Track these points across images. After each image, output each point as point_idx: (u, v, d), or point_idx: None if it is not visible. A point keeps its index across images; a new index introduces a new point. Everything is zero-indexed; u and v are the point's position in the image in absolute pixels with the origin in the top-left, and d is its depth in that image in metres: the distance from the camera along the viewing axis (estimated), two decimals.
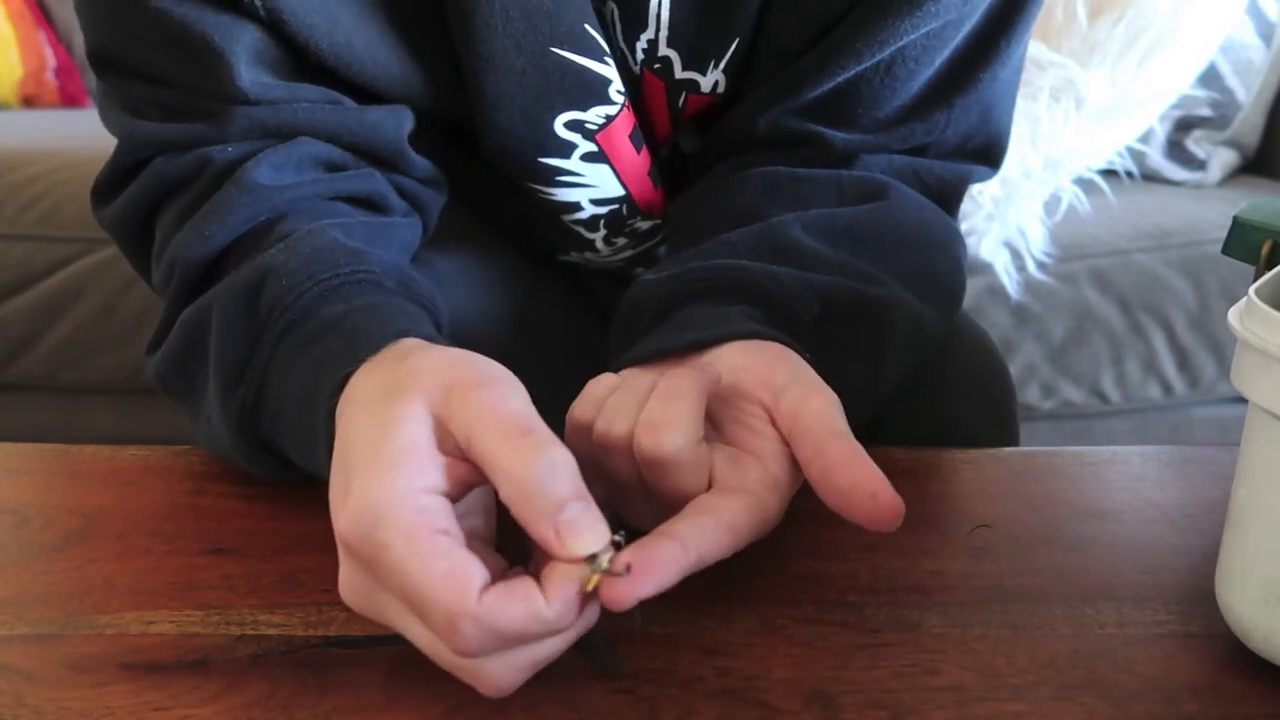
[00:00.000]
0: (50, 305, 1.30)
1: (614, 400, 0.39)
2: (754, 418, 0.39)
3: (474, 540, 0.35)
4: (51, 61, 1.88)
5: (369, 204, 0.52)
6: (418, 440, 0.33)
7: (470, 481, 0.34)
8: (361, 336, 0.38)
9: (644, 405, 0.38)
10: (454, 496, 0.33)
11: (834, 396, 0.39)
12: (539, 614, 0.31)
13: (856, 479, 0.36)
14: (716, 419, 0.40)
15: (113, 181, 0.52)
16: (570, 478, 0.32)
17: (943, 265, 0.54)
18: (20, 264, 1.29)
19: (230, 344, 0.43)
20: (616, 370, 0.43)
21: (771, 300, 0.45)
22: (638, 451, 0.37)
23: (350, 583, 0.33)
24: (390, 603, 0.32)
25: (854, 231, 0.51)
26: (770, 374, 0.40)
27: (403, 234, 0.53)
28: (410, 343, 0.38)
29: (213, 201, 0.47)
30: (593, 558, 0.31)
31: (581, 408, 0.40)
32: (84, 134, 1.46)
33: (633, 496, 0.38)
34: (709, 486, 0.37)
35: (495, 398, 0.33)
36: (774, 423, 0.39)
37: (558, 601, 0.31)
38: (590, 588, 0.31)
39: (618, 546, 0.32)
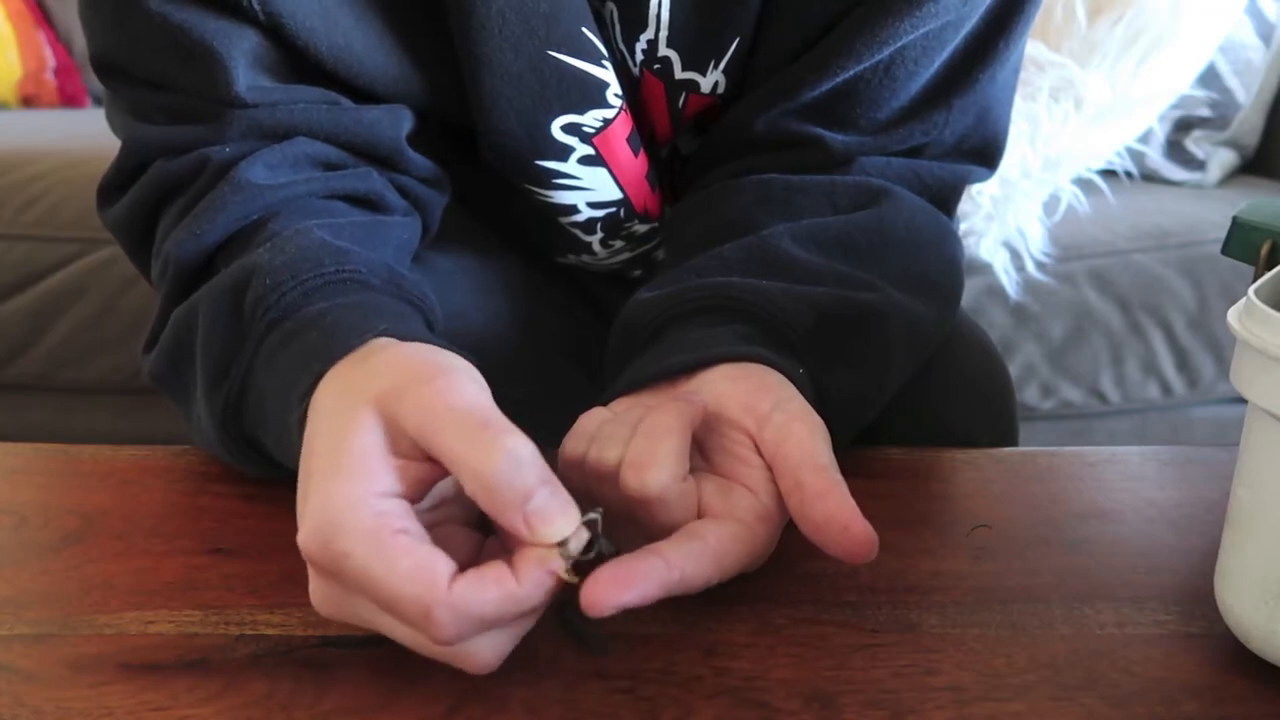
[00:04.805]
0: (50, 305, 1.30)
1: (605, 430, 0.39)
2: (740, 446, 0.39)
3: (451, 525, 0.36)
4: (51, 61, 1.88)
5: (365, 202, 0.52)
6: (368, 447, 0.33)
7: (429, 479, 0.34)
8: (338, 335, 0.39)
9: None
10: (414, 497, 0.34)
11: (818, 422, 0.39)
12: (513, 595, 0.31)
13: (830, 512, 0.36)
14: (704, 448, 0.40)
15: (116, 183, 0.53)
16: (533, 466, 0.32)
17: (938, 267, 0.54)
18: (20, 264, 1.29)
19: (215, 342, 0.43)
20: (608, 399, 0.44)
21: (763, 317, 0.45)
22: (624, 490, 0.37)
23: (320, 593, 0.34)
24: (363, 605, 0.33)
25: (846, 239, 0.51)
26: (755, 400, 0.40)
27: (398, 233, 0.53)
28: (378, 343, 0.38)
29: (206, 200, 0.48)
30: (564, 542, 0.32)
31: (573, 443, 0.40)
32: (84, 134, 1.46)
33: (627, 524, 0.38)
34: (698, 517, 0.38)
35: (448, 392, 0.33)
36: (759, 451, 0.39)
37: (529, 584, 0.32)
38: (564, 574, 0.32)
39: (591, 526, 0.33)
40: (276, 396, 0.40)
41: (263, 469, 0.45)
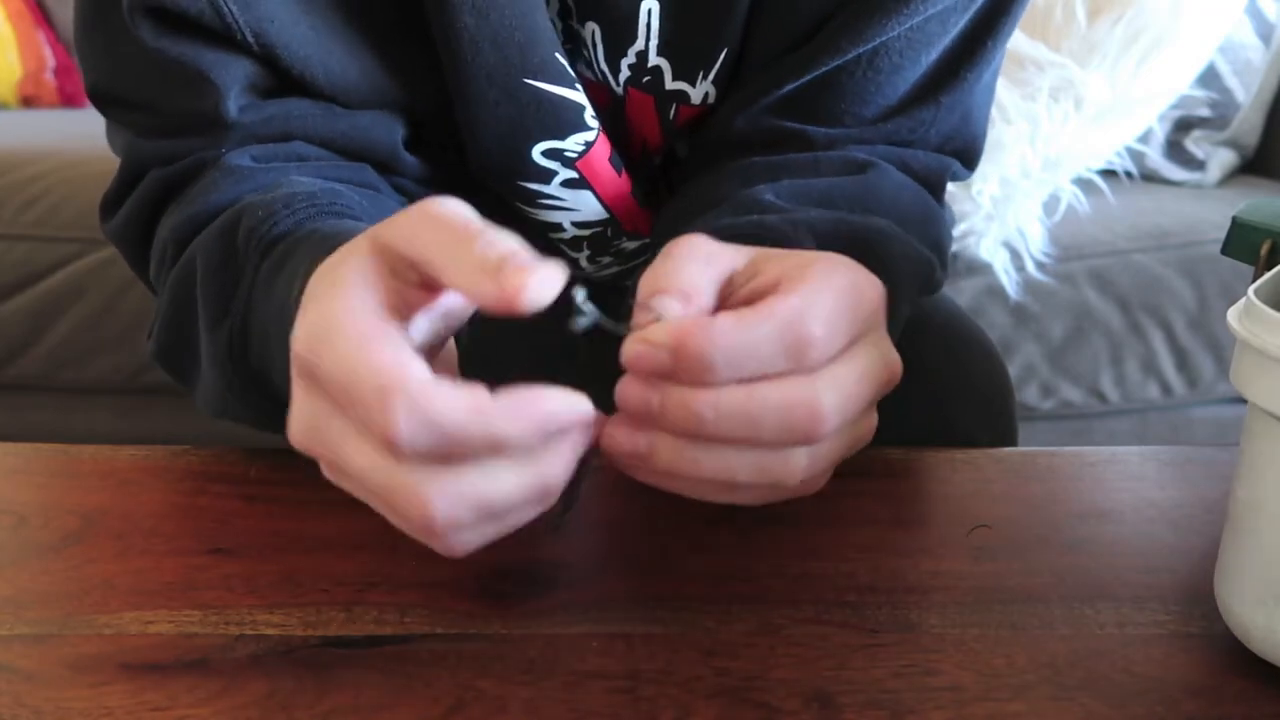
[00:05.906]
0: (50, 305, 1.30)
1: None
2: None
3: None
4: (51, 61, 1.88)
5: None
6: (365, 268, 0.33)
7: (416, 303, 0.34)
8: (328, 245, 0.38)
9: None
10: (406, 317, 0.34)
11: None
12: (483, 410, 0.31)
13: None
14: None
15: (116, 196, 0.53)
16: (505, 237, 0.32)
17: (924, 238, 0.54)
18: (20, 264, 1.29)
19: (213, 281, 0.44)
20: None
21: (763, 239, 0.44)
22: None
23: (297, 412, 0.33)
24: (334, 425, 0.32)
25: (831, 198, 0.50)
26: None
27: (395, 209, 0.52)
28: None
29: (198, 187, 0.48)
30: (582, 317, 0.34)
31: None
32: (84, 134, 1.46)
33: None
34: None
35: (429, 205, 0.33)
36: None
37: (514, 414, 0.31)
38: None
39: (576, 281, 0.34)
40: (277, 321, 0.40)
41: (270, 416, 0.44)
